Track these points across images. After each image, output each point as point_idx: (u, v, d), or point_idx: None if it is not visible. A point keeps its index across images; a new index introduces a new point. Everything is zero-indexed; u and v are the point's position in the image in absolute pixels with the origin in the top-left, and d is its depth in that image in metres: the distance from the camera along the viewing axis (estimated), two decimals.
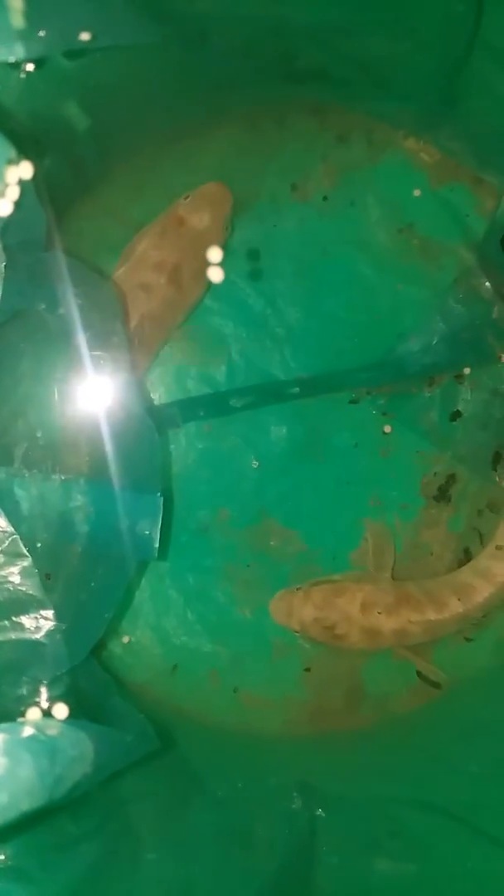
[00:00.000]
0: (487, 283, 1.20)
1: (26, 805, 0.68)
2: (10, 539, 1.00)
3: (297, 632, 1.17)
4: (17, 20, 0.69)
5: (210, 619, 1.20)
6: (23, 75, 0.77)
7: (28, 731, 0.71)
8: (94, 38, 0.78)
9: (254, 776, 1.05)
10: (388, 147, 1.22)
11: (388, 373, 1.21)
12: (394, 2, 0.93)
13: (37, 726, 0.72)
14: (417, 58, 1.01)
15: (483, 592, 1.14)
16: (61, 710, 0.85)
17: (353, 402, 1.23)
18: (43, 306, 0.99)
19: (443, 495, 1.24)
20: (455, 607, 1.13)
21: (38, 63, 0.76)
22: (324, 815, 0.99)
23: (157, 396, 1.21)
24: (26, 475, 1.02)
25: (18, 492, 1.02)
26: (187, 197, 1.14)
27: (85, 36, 0.76)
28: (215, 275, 1.11)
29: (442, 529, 1.23)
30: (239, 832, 0.96)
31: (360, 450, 1.23)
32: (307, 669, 1.21)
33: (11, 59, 0.70)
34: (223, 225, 1.16)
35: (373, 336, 1.21)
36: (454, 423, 1.24)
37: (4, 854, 0.78)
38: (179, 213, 1.14)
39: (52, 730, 0.73)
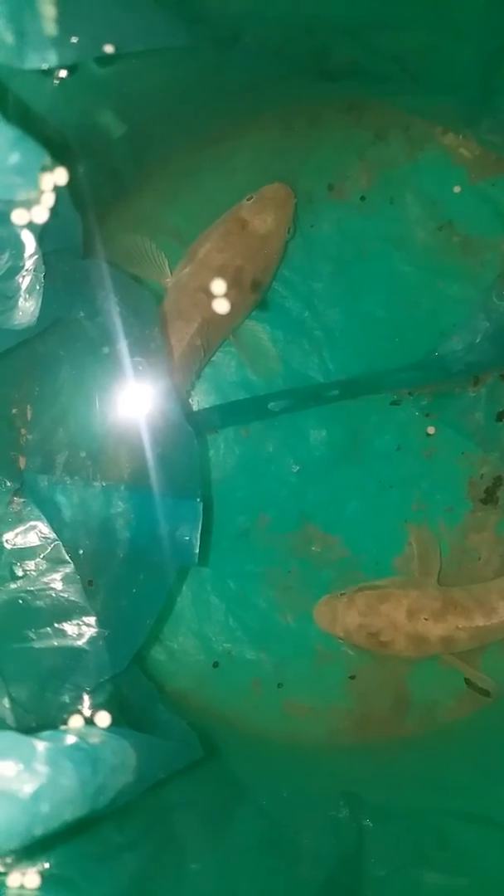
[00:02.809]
0: None
1: (69, 814, 0.67)
2: (52, 545, 1.01)
3: (341, 638, 1.15)
4: (49, 27, 0.69)
5: (252, 625, 1.20)
6: (56, 82, 0.77)
7: (70, 739, 0.70)
8: (126, 43, 0.77)
9: (299, 785, 1.03)
10: (426, 143, 1.20)
11: (430, 372, 1.18)
12: None
13: (79, 734, 0.71)
14: (455, 50, 0.99)
15: None
16: (104, 718, 0.85)
17: (394, 403, 1.21)
18: (82, 314, 0.99)
19: (490, 498, 1.21)
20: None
21: (71, 70, 0.76)
22: (371, 825, 0.97)
23: (196, 402, 1.20)
24: (68, 482, 1.03)
25: (60, 499, 1.03)
26: (250, 198, 1.13)
27: (117, 41, 0.76)
28: (218, 309, 1.10)
29: (489, 533, 1.21)
30: (284, 842, 0.95)
31: (402, 452, 1.21)
32: (352, 677, 1.19)
33: (44, 66, 0.70)
34: (286, 226, 1.15)
35: (414, 335, 1.19)
36: (500, 423, 1.20)
37: (49, 863, 0.78)
38: (242, 215, 1.13)
39: (95, 738, 0.73)
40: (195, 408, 1.20)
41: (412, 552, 1.19)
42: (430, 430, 1.21)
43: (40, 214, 0.74)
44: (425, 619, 1.10)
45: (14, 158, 0.65)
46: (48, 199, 0.73)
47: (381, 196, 1.21)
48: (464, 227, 1.21)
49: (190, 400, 1.19)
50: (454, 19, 0.96)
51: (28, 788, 0.63)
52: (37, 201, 0.72)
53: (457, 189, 1.21)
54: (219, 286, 1.11)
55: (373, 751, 1.16)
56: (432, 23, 0.96)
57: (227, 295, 1.12)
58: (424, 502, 1.21)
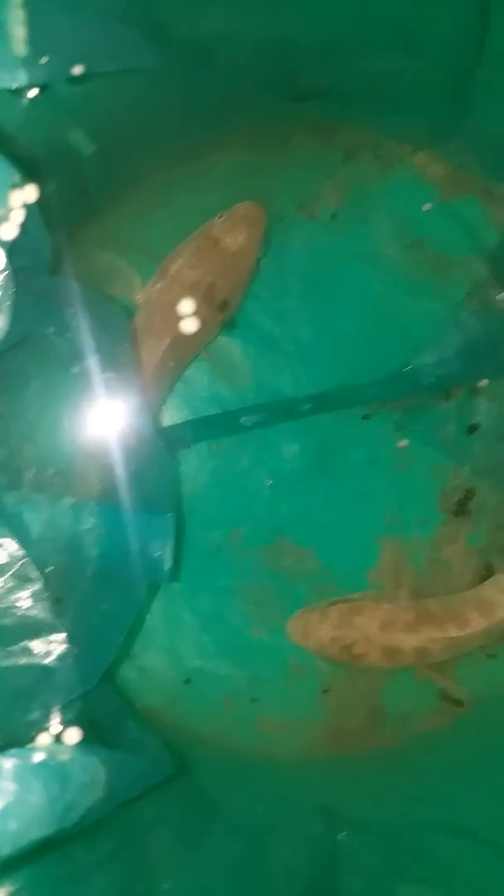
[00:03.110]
0: (501, 295, 1.19)
1: (37, 833, 0.67)
2: (20, 563, 1.00)
3: (314, 652, 1.15)
4: (19, 48, 0.69)
5: (225, 640, 1.19)
6: (26, 101, 0.77)
7: (39, 756, 0.70)
8: (96, 63, 0.78)
9: (272, 801, 1.03)
10: (396, 162, 1.22)
11: (401, 387, 1.19)
12: (398, 16, 0.93)
13: (48, 752, 0.71)
14: (424, 71, 1.01)
15: None
16: (73, 735, 0.84)
17: (366, 417, 1.22)
18: (51, 330, 0.99)
19: (462, 510, 1.22)
20: (477, 623, 1.11)
21: (42, 89, 0.77)
22: (346, 839, 0.96)
23: (167, 417, 1.20)
24: (36, 499, 1.03)
25: (28, 515, 1.02)
26: (221, 216, 1.14)
27: (87, 62, 0.77)
28: (189, 325, 1.11)
29: (461, 545, 1.21)
30: (257, 858, 0.94)
31: (374, 466, 1.22)
32: (326, 691, 1.19)
33: (14, 86, 0.71)
34: (257, 244, 1.16)
35: (385, 351, 1.20)
36: (471, 436, 1.22)
37: (16, 885, 0.77)
38: (214, 233, 1.14)
39: (64, 755, 0.73)
40: (167, 423, 1.19)
41: (385, 565, 1.20)
42: (402, 443, 1.22)
43: (9, 231, 0.74)
44: (399, 631, 1.10)
45: None
46: (17, 216, 0.73)
47: (351, 214, 1.22)
48: (434, 245, 1.22)
49: (161, 415, 1.19)
50: (423, 42, 0.98)
51: None
52: (6, 218, 0.72)
53: (427, 207, 1.22)
54: (190, 303, 1.12)
55: (347, 764, 1.16)
56: (402, 45, 0.98)
57: (198, 312, 1.13)
58: (397, 515, 1.21)
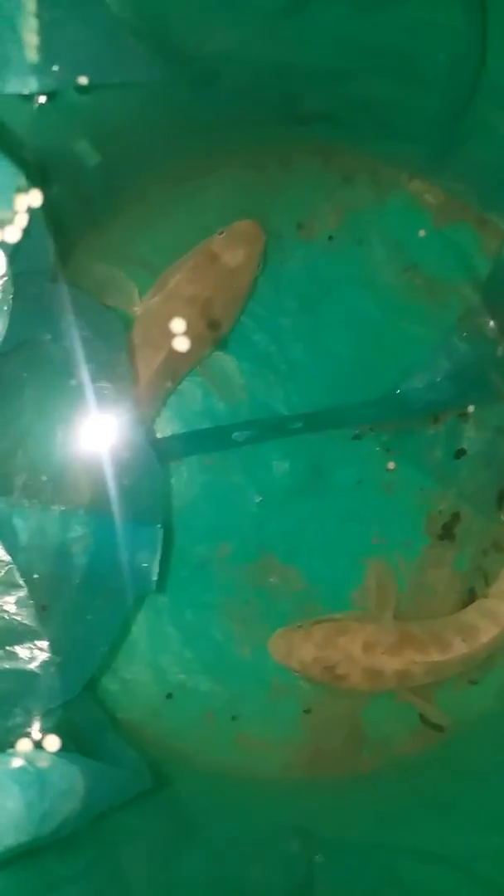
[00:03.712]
0: (492, 323, 1.20)
1: (12, 839, 0.65)
2: (6, 569, 0.99)
3: (296, 671, 1.14)
4: (32, 54, 0.71)
5: (207, 656, 1.18)
6: (35, 107, 0.78)
7: (17, 762, 0.69)
8: (104, 74, 0.80)
9: (250, 819, 1.02)
10: (393, 188, 1.24)
11: (391, 409, 1.20)
12: (397, 46, 0.95)
13: (27, 757, 0.70)
14: (421, 100, 1.03)
15: (488, 633, 1.12)
16: (53, 743, 0.83)
17: (356, 437, 1.22)
18: (48, 337, 0.99)
19: (447, 534, 1.23)
20: (459, 648, 1.11)
21: (51, 96, 0.78)
22: (322, 860, 0.95)
23: (160, 429, 1.21)
24: (26, 505, 1.02)
25: (17, 522, 1.02)
26: (221, 232, 1.15)
27: (96, 72, 0.78)
28: (181, 344, 1.12)
29: (446, 569, 1.22)
30: (233, 877, 0.93)
31: (363, 486, 1.22)
32: (307, 711, 1.19)
33: (25, 91, 0.72)
34: (256, 262, 1.17)
35: (377, 373, 1.21)
36: (458, 460, 1.23)
37: None
38: (213, 249, 1.15)
39: (43, 762, 0.72)
40: (159, 435, 1.20)
41: (370, 586, 1.19)
42: (391, 465, 1.22)
43: (13, 234, 0.74)
44: (381, 654, 1.10)
45: None
46: (21, 220, 0.74)
47: (348, 237, 1.24)
48: (428, 270, 1.24)
49: (154, 427, 1.19)
50: (421, 72, 1.00)
51: None
52: (10, 221, 0.73)
53: (422, 233, 1.24)
54: (186, 318, 1.12)
55: (326, 785, 1.15)
56: (400, 74, 1.00)
57: (194, 327, 1.13)
58: (383, 536, 1.22)
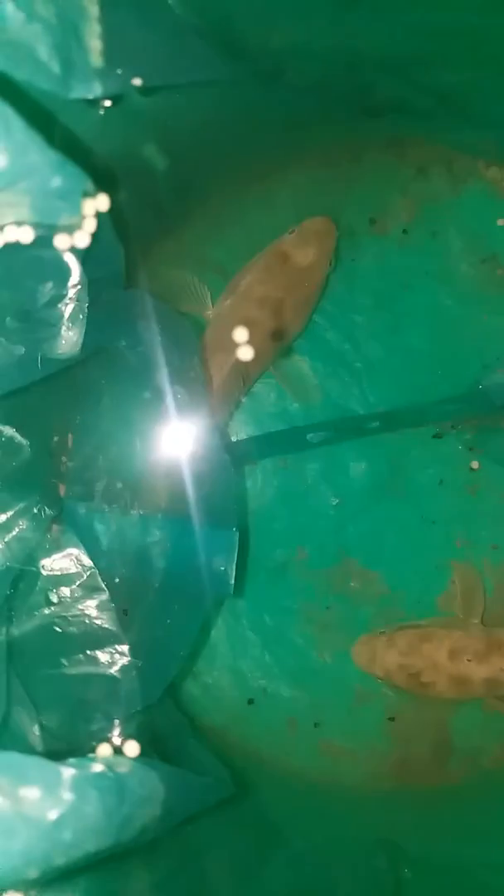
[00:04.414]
0: None
1: (92, 844, 0.65)
2: (88, 573, 1.01)
3: (380, 679, 1.12)
4: (95, 59, 0.71)
5: (288, 662, 1.17)
6: (101, 112, 0.79)
7: (97, 767, 0.68)
8: (169, 76, 0.79)
9: (334, 830, 1.00)
10: (469, 177, 1.20)
11: (473, 406, 1.17)
12: (469, 28, 0.91)
13: (106, 763, 0.69)
14: (496, 84, 0.99)
15: None
16: (133, 748, 0.83)
17: (437, 436, 1.19)
18: (123, 343, 1.00)
19: None
20: None
21: (115, 101, 0.78)
22: (410, 876, 0.92)
23: (234, 432, 1.20)
24: (106, 510, 1.03)
25: (98, 527, 1.03)
26: (292, 231, 1.14)
27: (161, 75, 0.78)
28: (245, 353, 1.10)
29: None
30: (318, 891, 0.90)
31: (445, 487, 1.18)
32: (391, 719, 1.15)
33: (89, 97, 0.72)
34: (328, 259, 1.15)
35: (457, 368, 1.18)
36: None
37: None
38: (284, 249, 1.14)
39: (123, 767, 0.71)
40: (233, 438, 1.19)
41: (455, 590, 1.15)
42: (474, 464, 1.18)
43: (82, 239, 0.75)
44: (468, 661, 1.07)
45: (56, 182, 0.66)
46: (90, 225, 0.74)
47: (423, 230, 1.21)
48: None
49: (228, 430, 1.19)
50: (495, 54, 0.96)
51: (51, 815, 0.61)
52: (79, 226, 0.73)
53: (500, 222, 1.20)
54: (257, 320, 1.11)
55: (413, 797, 1.12)
56: (474, 58, 0.97)
57: (267, 327, 1.12)
58: (468, 539, 1.18)
